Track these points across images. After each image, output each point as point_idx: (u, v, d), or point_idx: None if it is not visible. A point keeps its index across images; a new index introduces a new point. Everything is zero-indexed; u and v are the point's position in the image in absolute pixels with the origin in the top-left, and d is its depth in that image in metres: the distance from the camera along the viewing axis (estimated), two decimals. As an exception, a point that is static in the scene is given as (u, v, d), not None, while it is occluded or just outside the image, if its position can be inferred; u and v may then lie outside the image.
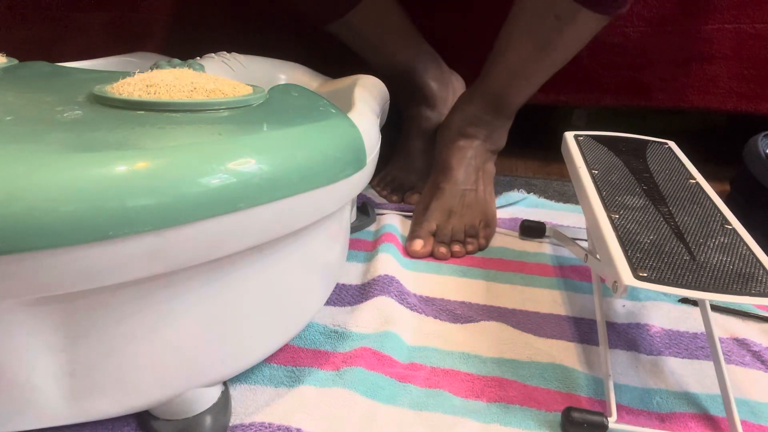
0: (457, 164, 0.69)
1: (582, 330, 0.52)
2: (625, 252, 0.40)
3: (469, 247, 0.65)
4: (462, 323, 0.52)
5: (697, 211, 0.47)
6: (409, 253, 0.64)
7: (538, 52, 0.64)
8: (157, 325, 0.34)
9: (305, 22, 0.78)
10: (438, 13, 0.88)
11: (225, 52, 0.67)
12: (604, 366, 0.45)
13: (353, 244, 0.65)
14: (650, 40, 0.84)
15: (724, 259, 0.40)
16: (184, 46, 0.95)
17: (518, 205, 0.77)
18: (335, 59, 0.77)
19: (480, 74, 0.70)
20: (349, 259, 0.62)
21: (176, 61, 0.55)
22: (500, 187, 0.80)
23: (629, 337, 0.51)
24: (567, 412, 0.41)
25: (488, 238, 0.67)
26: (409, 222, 0.70)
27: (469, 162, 0.69)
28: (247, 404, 0.42)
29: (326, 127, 0.39)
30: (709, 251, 0.41)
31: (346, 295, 0.55)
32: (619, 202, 0.47)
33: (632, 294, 0.58)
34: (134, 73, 0.42)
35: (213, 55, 0.66)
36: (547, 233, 0.69)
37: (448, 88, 0.82)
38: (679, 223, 0.45)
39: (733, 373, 0.47)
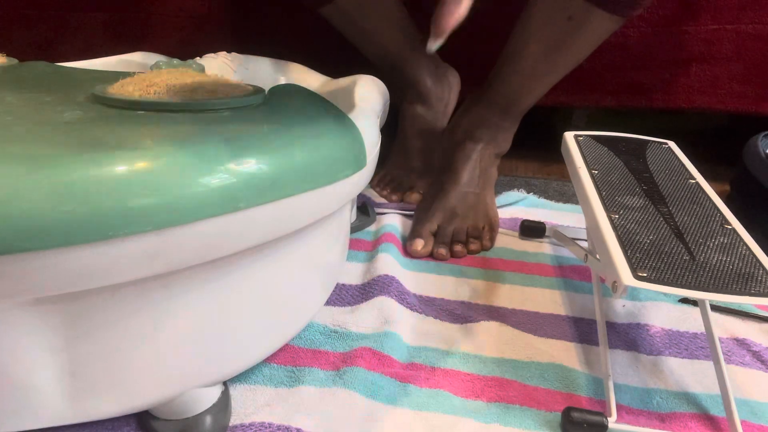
0: (462, 166, 0.69)
1: (582, 330, 0.52)
2: (625, 252, 0.40)
3: (471, 247, 0.65)
4: (462, 323, 0.52)
5: (697, 211, 0.47)
6: (410, 253, 0.64)
7: (551, 54, 0.64)
8: (157, 325, 0.34)
9: (300, 6, 0.77)
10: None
11: (225, 52, 0.67)
12: (604, 366, 0.45)
13: (353, 244, 0.65)
14: (650, 40, 0.84)
15: (724, 259, 0.40)
16: (184, 46, 0.95)
17: (518, 205, 0.77)
18: (335, 59, 0.77)
19: (489, 76, 0.70)
20: (349, 259, 0.62)
21: (176, 61, 0.55)
22: (500, 187, 0.80)
23: (629, 337, 0.51)
24: (567, 412, 0.41)
25: (493, 241, 0.67)
26: (409, 222, 0.70)
27: (474, 165, 0.69)
28: (247, 404, 0.42)
29: (326, 127, 0.39)
30: (709, 251, 0.41)
31: (346, 295, 0.55)
32: (619, 202, 0.47)
33: (632, 294, 0.58)
34: (134, 73, 0.42)
35: (213, 55, 0.66)
36: (547, 233, 0.69)
37: (443, 85, 0.81)
38: (678, 223, 0.45)
39: (733, 373, 0.47)
